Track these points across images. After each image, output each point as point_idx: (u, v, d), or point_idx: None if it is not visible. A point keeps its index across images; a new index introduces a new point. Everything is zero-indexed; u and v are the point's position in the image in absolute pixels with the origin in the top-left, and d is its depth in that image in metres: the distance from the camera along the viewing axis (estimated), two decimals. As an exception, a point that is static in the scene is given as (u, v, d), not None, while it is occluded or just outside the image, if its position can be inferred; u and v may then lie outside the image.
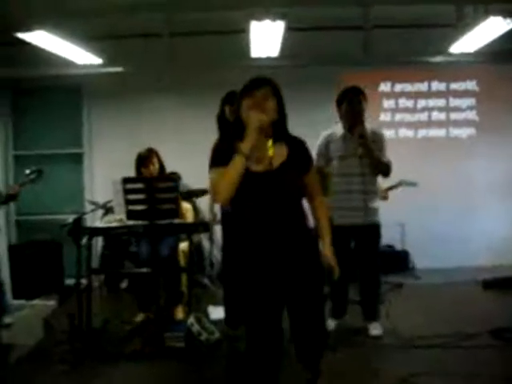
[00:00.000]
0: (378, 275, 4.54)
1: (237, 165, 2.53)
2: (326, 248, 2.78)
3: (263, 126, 2.56)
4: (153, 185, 4.05)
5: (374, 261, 4.44)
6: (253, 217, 2.63)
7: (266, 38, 5.22)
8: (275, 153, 2.62)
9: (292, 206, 2.68)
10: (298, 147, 2.71)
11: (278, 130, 2.66)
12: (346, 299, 4.54)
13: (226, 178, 2.55)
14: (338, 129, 4.40)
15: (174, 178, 4.35)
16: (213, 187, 2.62)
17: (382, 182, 4.76)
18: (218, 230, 4.64)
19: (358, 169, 4.24)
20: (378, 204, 4.41)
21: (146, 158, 4.64)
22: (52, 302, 5.60)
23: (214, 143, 4.18)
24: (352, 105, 4.29)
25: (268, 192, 2.59)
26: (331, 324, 4.45)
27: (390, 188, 5.41)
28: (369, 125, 4.38)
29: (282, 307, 2.72)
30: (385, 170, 4.30)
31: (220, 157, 2.62)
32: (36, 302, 5.64)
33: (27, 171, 4.65)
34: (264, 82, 2.65)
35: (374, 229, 4.38)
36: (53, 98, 6.94)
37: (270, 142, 2.61)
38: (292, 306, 2.73)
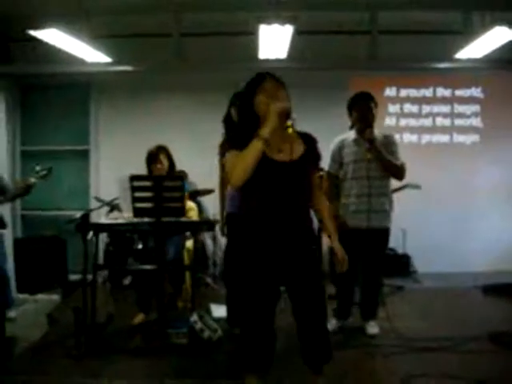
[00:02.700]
0: (380, 278, 4.59)
1: (255, 147, 2.56)
2: (334, 241, 2.86)
3: (284, 111, 2.60)
4: (160, 183, 4.10)
5: (376, 264, 4.49)
6: (268, 207, 2.66)
7: (274, 41, 5.28)
8: (294, 145, 2.68)
9: (305, 198, 2.76)
10: (312, 143, 2.80)
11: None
12: (352, 301, 4.58)
13: (243, 160, 2.57)
14: (351, 134, 4.46)
15: (181, 176, 4.39)
16: (229, 169, 2.64)
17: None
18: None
19: (365, 172, 4.31)
20: (389, 207, 4.43)
21: (154, 155, 4.66)
22: (56, 297, 5.67)
23: (221, 142, 4.28)
24: (362, 111, 4.36)
25: (289, 181, 2.64)
26: (334, 323, 4.49)
27: (395, 190, 5.45)
28: (377, 129, 4.42)
29: (276, 302, 2.77)
30: (397, 172, 4.35)
31: (239, 141, 2.65)
32: (40, 296, 5.72)
33: (37, 168, 4.71)
34: (268, 74, 2.73)
35: (379, 233, 4.41)
36: (61, 95, 7.02)
37: (290, 130, 2.63)
38: (296, 305, 2.78)
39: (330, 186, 4.47)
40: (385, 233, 4.45)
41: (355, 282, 4.50)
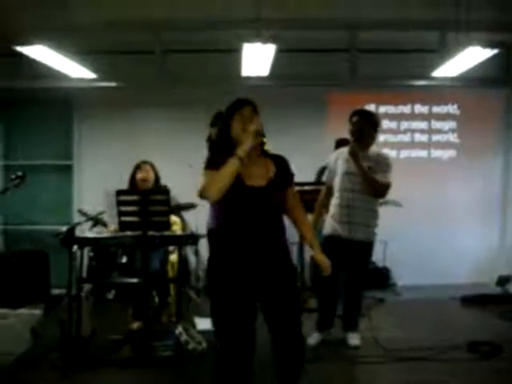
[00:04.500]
0: (361, 290, 4.69)
1: (231, 165, 2.66)
2: (316, 250, 2.98)
3: (259, 131, 2.73)
4: (146, 197, 4.16)
5: (358, 276, 4.58)
6: (242, 228, 2.75)
7: (256, 59, 5.37)
8: (264, 168, 2.82)
9: (277, 219, 2.86)
10: (282, 164, 2.91)
11: (263, 148, 2.86)
12: (334, 312, 4.64)
13: (219, 175, 2.66)
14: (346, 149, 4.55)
15: (167, 190, 4.46)
16: (203, 187, 2.72)
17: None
18: (203, 243, 4.73)
19: (350, 185, 4.42)
20: (371, 222, 4.51)
21: (140, 167, 4.85)
22: (38, 311, 5.63)
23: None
24: (352, 125, 4.48)
25: (263, 204, 2.76)
26: (316, 337, 4.56)
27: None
28: (375, 147, 4.55)
29: (255, 318, 2.83)
30: (378, 188, 4.39)
31: (214, 162, 2.75)
32: (22, 310, 5.68)
33: (12, 176, 4.74)
34: (246, 102, 2.86)
35: (361, 246, 4.48)
36: (44, 110, 7.03)
37: (265, 146, 2.82)
38: (271, 318, 2.85)
39: (323, 195, 4.65)
40: (367, 246, 4.53)
41: (337, 292, 4.57)
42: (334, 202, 4.52)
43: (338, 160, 4.54)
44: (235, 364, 2.79)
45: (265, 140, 2.80)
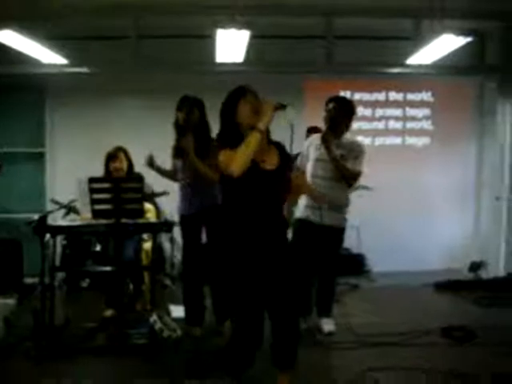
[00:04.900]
0: (333, 276, 4.71)
1: (253, 138, 2.85)
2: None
3: (278, 103, 2.94)
4: (119, 185, 4.12)
5: (329, 262, 4.61)
6: (255, 209, 2.97)
7: (231, 45, 5.34)
8: (271, 154, 3.04)
9: (281, 201, 3.12)
10: (283, 149, 3.12)
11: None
12: (310, 297, 4.64)
13: (245, 149, 2.84)
14: (318, 136, 4.55)
15: (140, 177, 4.42)
16: (225, 163, 2.89)
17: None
18: (178, 230, 4.71)
19: (322, 172, 4.43)
20: (343, 208, 4.54)
21: (114, 155, 4.78)
22: (11, 301, 5.56)
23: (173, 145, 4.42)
24: (326, 112, 4.49)
25: (271, 188, 3.00)
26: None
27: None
28: (349, 134, 4.56)
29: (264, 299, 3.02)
30: (349, 176, 4.41)
31: (228, 141, 2.95)
32: (-5, 300, 5.61)
33: None
34: (249, 88, 3.04)
35: (332, 231, 4.49)
36: (16, 97, 6.90)
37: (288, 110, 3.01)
38: (273, 301, 3.03)
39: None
40: (338, 232, 4.55)
41: (313, 278, 4.59)
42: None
43: (310, 147, 4.54)
44: (249, 337, 3.02)
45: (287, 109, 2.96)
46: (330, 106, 4.48)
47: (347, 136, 4.52)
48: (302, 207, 4.54)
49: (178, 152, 4.39)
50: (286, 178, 3.09)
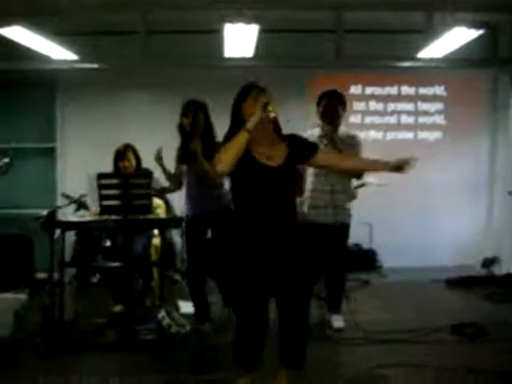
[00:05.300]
0: (343, 272, 4.70)
1: (240, 137, 2.83)
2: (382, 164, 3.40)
3: (266, 104, 2.86)
4: (127, 181, 4.12)
5: (339, 259, 4.58)
6: (259, 207, 2.94)
7: (239, 40, 5.31)
8: (279, 150, 2.99)
9: (290, 198, 3.05)
10: (294, 140, 3.06)
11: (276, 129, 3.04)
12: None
13: (228, 148, 2.84)
14: (317, 130, 4.53)
15: (149, 173, 4.41)
16: (215, 159, 2.90)
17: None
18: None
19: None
20: (349, 204, 4.54)
21: (122, 153, 4.77)
22: (23, 296, 5.59)
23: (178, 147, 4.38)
24: (325, 108, 4.45)
25: (275, 184, 2.95)
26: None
27: (356, 187, 5.56)
28: (344, 128, 4.53)
29: (269, 297, 3.01)
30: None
31: (228, 140, 2.93)
32: (6, 295, 5.64)
33: None
34: (256, 85, 3.02)
35: (341, 228, 4.50)
36: (26, 93, 6.91)
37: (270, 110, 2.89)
38: (281, 299, 3.01)
39: None
40: (343, 228, 4.53)
41: (318, 276, 4.57)
42: (314, 187, 4.48)
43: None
44: (250, 336, 3.03)
45: (270, 110, 2.87)
46: (325, 101, 4.46)
47: (342, 129, 4.51)
48: (305, 209, 4.49)
49: (185, 157, 4.35)
50: (295, 174, 3.05)
